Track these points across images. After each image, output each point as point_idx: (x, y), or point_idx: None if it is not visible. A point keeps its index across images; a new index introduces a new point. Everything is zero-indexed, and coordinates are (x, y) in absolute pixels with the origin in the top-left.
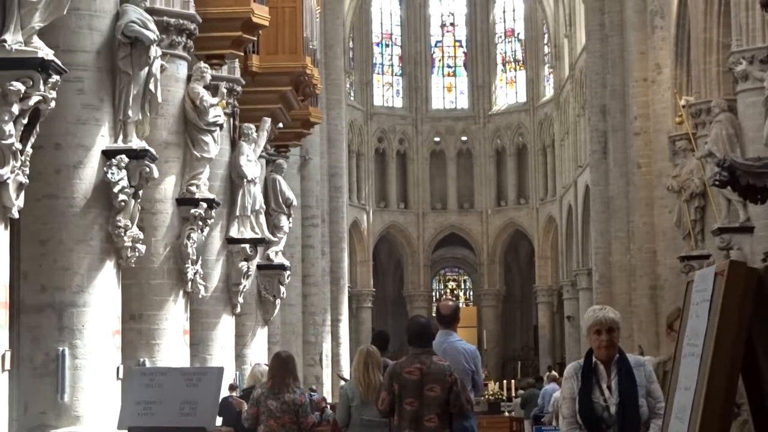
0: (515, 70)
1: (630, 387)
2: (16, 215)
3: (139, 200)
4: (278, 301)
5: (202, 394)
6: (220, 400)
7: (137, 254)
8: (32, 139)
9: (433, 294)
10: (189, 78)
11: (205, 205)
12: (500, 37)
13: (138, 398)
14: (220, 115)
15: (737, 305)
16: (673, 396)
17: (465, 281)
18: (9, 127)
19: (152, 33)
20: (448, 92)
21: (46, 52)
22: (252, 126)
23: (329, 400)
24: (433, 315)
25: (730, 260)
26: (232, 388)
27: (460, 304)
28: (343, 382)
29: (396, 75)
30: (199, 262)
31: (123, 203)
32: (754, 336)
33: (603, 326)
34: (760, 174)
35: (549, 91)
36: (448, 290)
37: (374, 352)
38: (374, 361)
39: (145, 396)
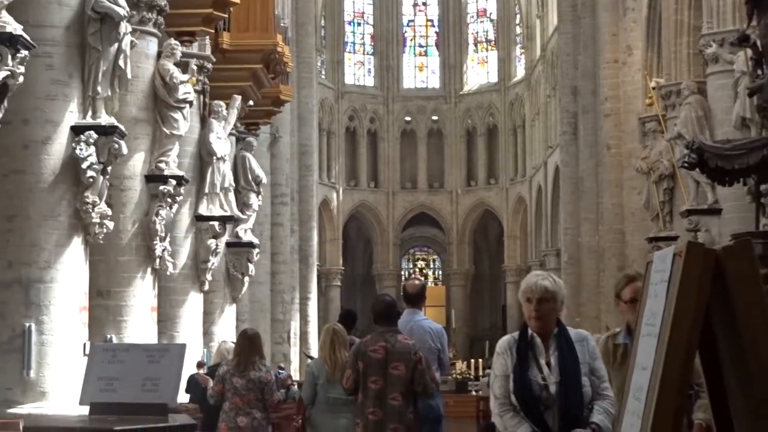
0: (487, 50)
1: (572, 364)
2: None
3: (107, 176)
4: (247, 278)
5: (165, 371)
6: (183, 377)
7: (105, 230)
8: (0, 115)
9: (402, 273)
10: (159, 55)
11: (174, 182)
12: (472, 16)
13: (100, 374)
14: (190, 92)
15: (695, 286)
16: (632, 375)
17: (434, 260)
18: None
19: (122, 9)
20: (420, 72)
21: (14, 27)
22: (222, 103)
23: (296, 377)
24: (387, 295)
25: (689, 241)
26: (199, 365)
27: (429, 284)
28: (309, 360)
29: (367, 54)
30: (168, 239)
31: (91, 179)
32: (713, 318)
33: (534, 294)
34: (728, 156)
35: (520, 72)
36: (417, 269)
37: (340, 331)
38: (340, 339)
39: (107, 372)
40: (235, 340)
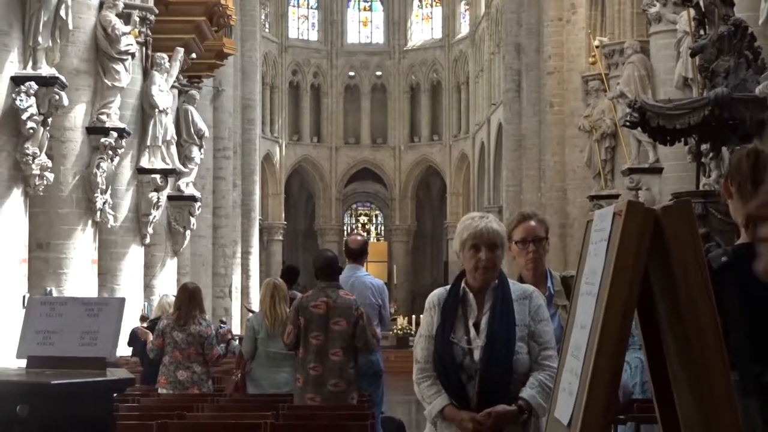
0: (431, 6)
1: (503, 326)
2: None
3: (48, 128)
4: (188, 232)
5: (103, 325)
6: (124, 330)
7: (45, 182)
8: None
9: (345, 228)
10: (101, 5)
11: (115, 134)
12: None
13: (38, 328)
14: (132, 44)
15: (633, 245)
16: (570, 334)
17: (376, 216)
18: None
19: None
20: (364, 27)
21: None
22: (165, 56)
23: (237, 332)
24: (328, 250)
25: (628, 200)
26: (143, 318)
27: (371, 239)
28: (250, 315)
29: (312, 8)
30: (109, 191)
31: (31, 131)
32: (651, 278)
33: (483, 241)
34: (670, 116)
35: (464, 29)
36: (360, 225)
37: (281, 285)
38: (281, 294)
39: (45, 325)
40: (176, 294)
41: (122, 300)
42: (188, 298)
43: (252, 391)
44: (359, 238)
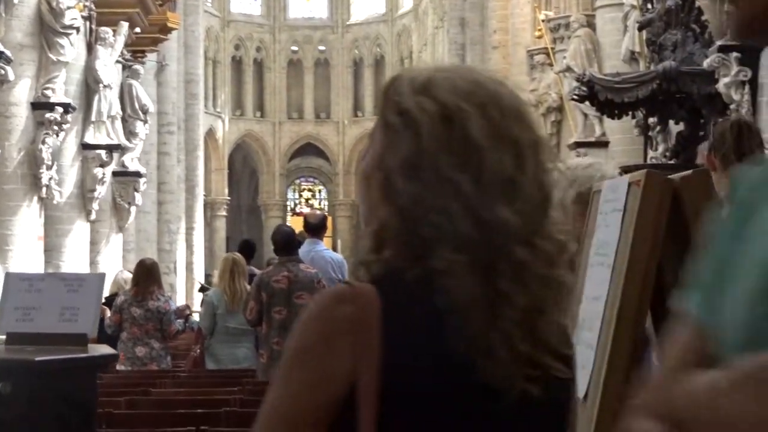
0: None
1: None
2: None
3: None
4: (133, 208)
5: (84, 301)
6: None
7: None
8: None
9: (288, 203)
10: None
11: (60, 109)
12: None
13: (16, 304)
14: (76, 18)
15: (653, 216)
16: (579, 306)
17: (320, 191)
18: None
19: None
20: (307, 1)
21: None
22: (109, 30)
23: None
24: (286, 225)
25: (647, 170)
26: None
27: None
28: (209, 291)
29: None
30: (54, 167)
31: None
32: (664, 251)
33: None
34: (618, 89)
35: (408, 3)
36: (304, 200)
37: (240, 260)
38: (240, 269)
39: (24, 302)
40: (133, 270)
41: (102, 276)
42: (146, 273)
43: (211, 366)
44: (318, 213)
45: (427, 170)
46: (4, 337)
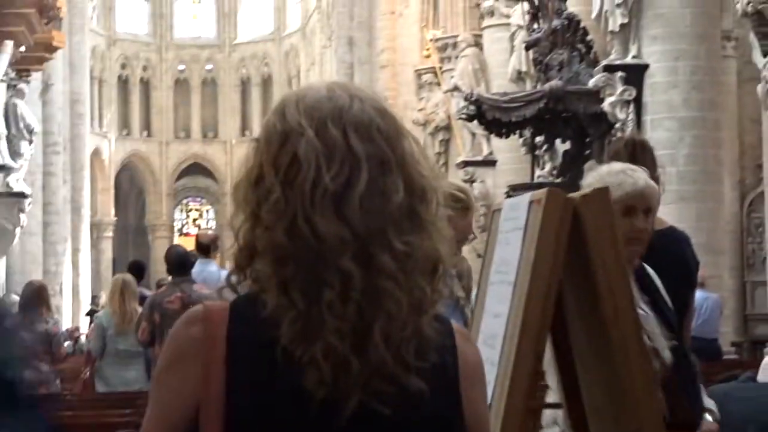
0: None
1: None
2: None
3: None
4: (18, 229)
5: None
6: None
7: None
8: None
9: (176, 224)
10: None
11: None
12: None
13: None
14: None
15: (555, 233)
16: (480, 323)
17: (208, 211)
18: None
19: None
20: (194, 20)
21: None
22: None
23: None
24: (179, 245)
25: (548, 189)
26: None
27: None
28: (99, 312)
29: (140, 1)
30: None
31: None
32: (564, 269)
33: (642, 203)
34: (506, 109)
35: (295, 22)
36: (191, 220)
37: (130, 282)
38: (130, 290)
39: None
40: (20, 293)
41: None
42: (34, 296)
43: (101, 389)
44: (210, 232)
45: (260, 186)
46: None
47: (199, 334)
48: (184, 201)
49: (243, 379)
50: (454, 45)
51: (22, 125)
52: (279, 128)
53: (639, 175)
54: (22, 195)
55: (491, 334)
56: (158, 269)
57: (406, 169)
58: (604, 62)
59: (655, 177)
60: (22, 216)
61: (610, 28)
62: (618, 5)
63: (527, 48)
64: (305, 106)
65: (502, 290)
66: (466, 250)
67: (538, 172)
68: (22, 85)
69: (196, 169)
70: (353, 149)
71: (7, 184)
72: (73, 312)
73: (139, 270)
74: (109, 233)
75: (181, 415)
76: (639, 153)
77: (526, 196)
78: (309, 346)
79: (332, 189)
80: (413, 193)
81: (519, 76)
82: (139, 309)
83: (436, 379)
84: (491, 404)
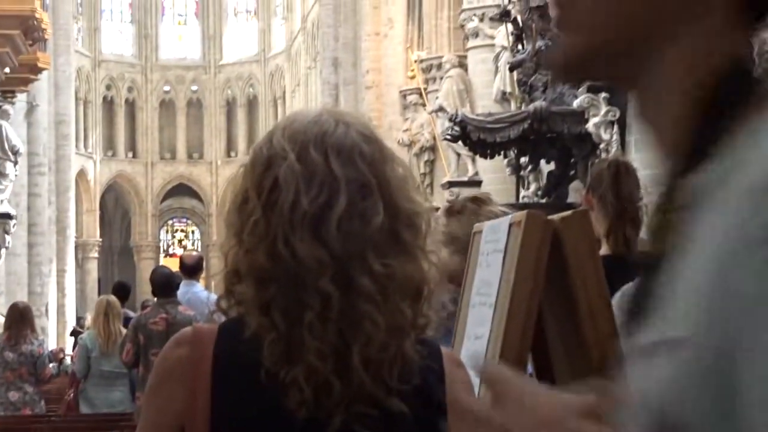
0: (247, 20)
1: None
2: None
3: None
4: (3, 250)
5: None
6: None
7: None
8: None
9: (161, 244)
10: None
11: None
12: None
13: None
14: None
15: (534, 255)
16: (461, 345)
17: (193, 232)
18: None
19: None
20: (179, 41)
21: None
22: None
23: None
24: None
25: (528, 211)
26: None
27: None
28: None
29: (125, 22)
30: None
31: None
32: (544, 292)
33: None
34: (491, 129)
35: (280, 43)
36: (177, 240)
37: (114, 303)
38: (114, 311)
39: None
40: (5, 314)
41: None
42: (19, 317)
43: (85, 410)
44: (195, 254)
45: (244, 209)
46: None
47: (186, 355)
48: (170, 222)
49: (227, 399)
50: (439, 66)
51: (6, 146)
52: (265, 153)
53: None
54: (7, 216)
55: (473, 356)
56: (144, 290)
57: (389, 193)
58: (588, 83)
59: (638, 198)
60: (7, 237)
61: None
62: None
63: (511, 69)
64: (291, 132)
65: (483, 312)
66: None
67: (522, 193)
68: (6, 107)
69: (181, 189)
70: (333, 172)
71: None
72: (58, 333)
73: (124, 291)
74: (95, 254)
75: (168, 431)
76: (623, 175)
77: (507, 219)
78: (291, 367)
79: (311, 212)
80: (397, 217)
81: (504, 97)
82: (124, 330)
83: (419, 402)
84: None
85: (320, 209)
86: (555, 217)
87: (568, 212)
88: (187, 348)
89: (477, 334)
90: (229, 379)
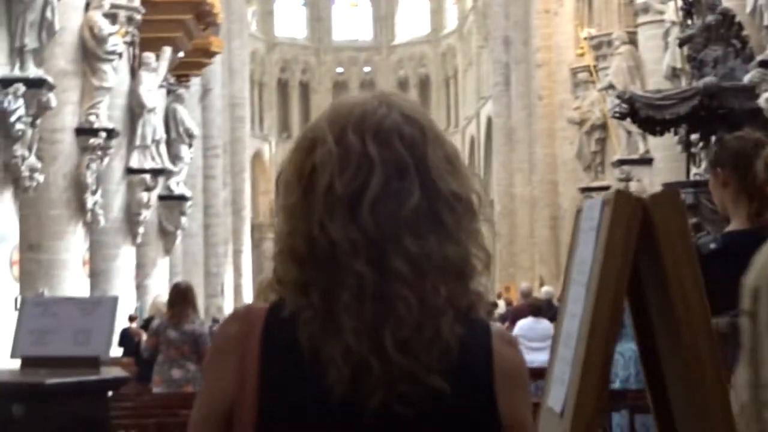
0: (418, 0)
1: None
2: None
3: (36, 129)
4: (179, 231)
5: (97, 324)
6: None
7: (35, 184)
8: None
9: None
10: (87, 6)
11: (104, 134)
12: None
13: (32, 328)
14: (118, 44)
15: (622, 233)
16: (562, 323)
17: None
18: None
19: None
20: (351, 23)
21: None
22: (152, 55)
23: None
24: None
25: (616, 189)
26: (131, 318)
27: None
28: None
29: (298, 5)
30: (99, 192)
31: (20, 132)
32: (641, 268)
33: None
34: (659, 106)
35: (452, 23)
36: None
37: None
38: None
39: (39, 325)
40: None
41: (115, 299)
42: (181, 297)
43: None
44: None
45: (289, 192)
46: (20, 361)
47: (237, 333)
48: None
49: (272, 375)
50: (609, 43)
51: (181, 129)
52: (309, 137)
53: None
54: (182, 198)
55: (568, 334)
56: None
57: (428, 174)
58: (759, 57)
59: None
60: (183, 218)
61: (766, 22)
62: None
63: (681, 44)
64: (334, 116)
65: (579, 290)
66: None
67: (694, 170)
68: (181, 90)
69: None
70: (369, 154)
71: (168, 188)
72: None
73: None
74: (270, 234)
75: (221, 402)
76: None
77: (601, 197)
78: (328, 346)
79: (346, 194)
80: (438, 198)
81: (674, 73)
82: None
83: (463, 380)
84: (565, 403)
85: (354, 191)
86: (645, 195)
87: (659, 191)
88: (238, 324)
89: (573, 312)
90: (275, 355)
